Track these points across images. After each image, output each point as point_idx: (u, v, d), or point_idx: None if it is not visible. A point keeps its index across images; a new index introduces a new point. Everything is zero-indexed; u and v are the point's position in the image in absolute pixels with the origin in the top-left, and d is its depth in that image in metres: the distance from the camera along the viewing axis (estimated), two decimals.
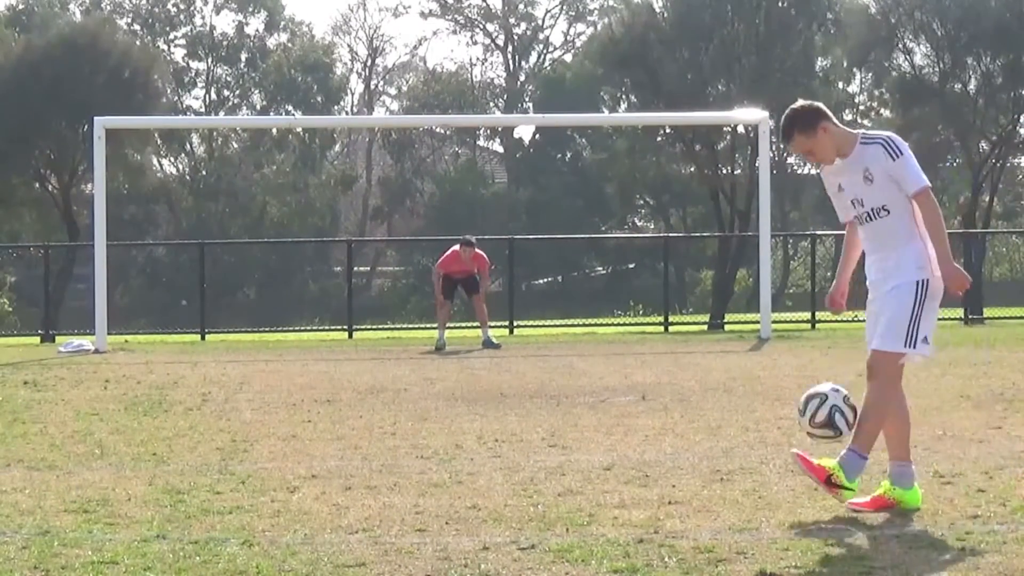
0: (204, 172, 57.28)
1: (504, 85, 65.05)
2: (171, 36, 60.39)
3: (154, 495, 7.39)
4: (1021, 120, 36.48)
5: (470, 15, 65.74)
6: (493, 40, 65.82)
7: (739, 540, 6.03)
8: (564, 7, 64.90)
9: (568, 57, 63.71)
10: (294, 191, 57.00)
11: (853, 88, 48.85)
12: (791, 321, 26.86)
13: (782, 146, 43.14)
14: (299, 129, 55.07)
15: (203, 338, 25.45)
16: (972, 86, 36.24)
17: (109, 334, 21.31)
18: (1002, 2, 34.64)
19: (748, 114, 25.92)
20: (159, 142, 51.04)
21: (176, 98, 57.99)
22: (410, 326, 31.83)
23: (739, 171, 36.14)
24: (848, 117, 47.30)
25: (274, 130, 55.25)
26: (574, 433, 9.81)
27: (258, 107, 60.25)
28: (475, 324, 21.91)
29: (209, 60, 60.28)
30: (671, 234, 45.48)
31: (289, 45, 61.16)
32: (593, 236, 50.04)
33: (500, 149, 64.18)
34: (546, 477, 7.82)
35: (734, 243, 33.81)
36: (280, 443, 9.53)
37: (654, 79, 33.62)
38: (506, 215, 55.90)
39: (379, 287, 58.09)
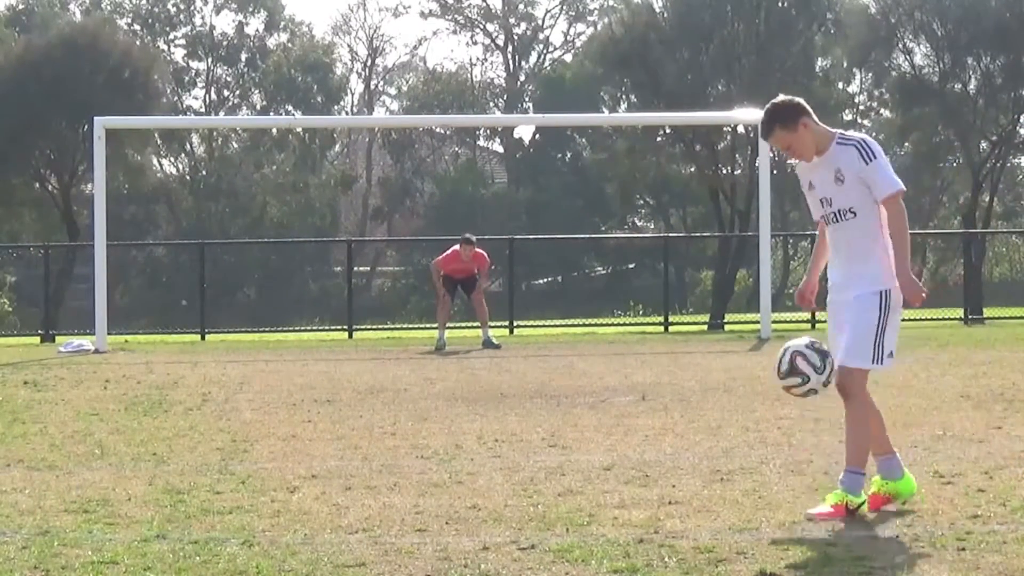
0: (204, 172, 57.25)
1: (504, 85, 65.00)
2: (171, 36, 60.34)
3: (154, 495, 7.39)
4: (1021, 120, 36.52)
5: (470, 15, 65.74)
6: (493, 40, 65.81)
7: (739, 540, 6.03)
8: (564, 7, 64.87)
9: (568, 57, 63.66)
10: (294, 191, 56.96)
11: (853, 88, 48.93)
12: (791, 321, 26.82)
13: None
14: (299, 129, 54.98)
15: (203, 338, 25.44)
16: (972, 86, 36.27)
17: (109, 334, 21.30)
18: (1002, 2, 34.65)
19: (748, 114, 25.90)
20: (159, 142, 51.10)
21: (176, 98, 57.97)
22: (410, 326, 31.80)
23: (739, 171, 36.16)
24: (848, 117, 47.36)
25: (274, 130, 55.17)
26: (574, 433, 9.80)
27: (258, 107, 60.20)
28: (475, 324, 21.89)
29: (209, 60, 60.22)
30: (671, 234, 45.41)
31: (289, 45, 61.10)
32: (593, 236, 49.96)
33: (500, 149, 64.14)
34: (546, 477, 7.82)
35: (734, 243, 33.82)
36: (280, 443, 9.53)
37: (654, 79, 33.67)
38: (506, 215, 55.84)
39: (379, 287, 58.00)
